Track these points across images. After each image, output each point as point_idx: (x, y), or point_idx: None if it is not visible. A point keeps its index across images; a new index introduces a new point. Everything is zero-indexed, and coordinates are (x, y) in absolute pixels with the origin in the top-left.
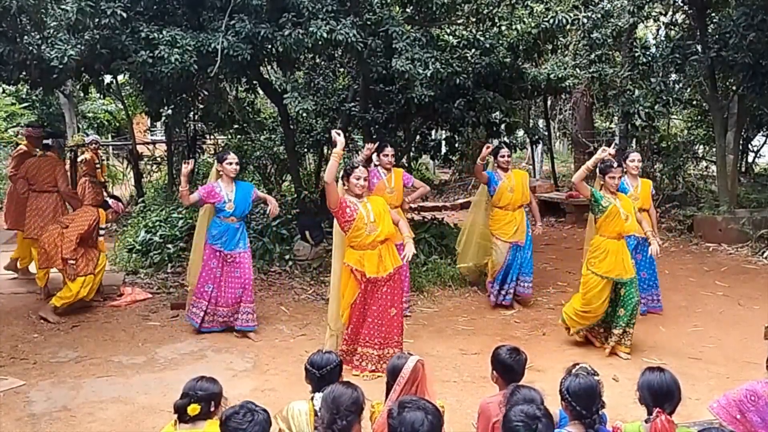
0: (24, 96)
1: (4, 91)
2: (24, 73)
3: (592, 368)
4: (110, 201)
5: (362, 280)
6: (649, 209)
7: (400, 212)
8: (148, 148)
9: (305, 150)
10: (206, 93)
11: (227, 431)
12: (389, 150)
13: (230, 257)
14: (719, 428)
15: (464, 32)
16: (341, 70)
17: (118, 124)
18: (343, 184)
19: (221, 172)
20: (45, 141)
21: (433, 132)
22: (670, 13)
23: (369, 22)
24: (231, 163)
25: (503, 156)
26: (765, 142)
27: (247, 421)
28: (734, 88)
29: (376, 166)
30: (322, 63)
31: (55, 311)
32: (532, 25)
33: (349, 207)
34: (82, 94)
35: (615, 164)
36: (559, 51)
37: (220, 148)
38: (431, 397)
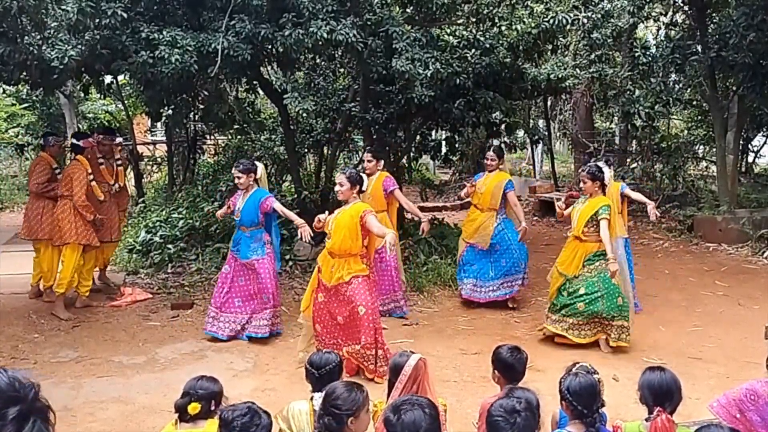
0: (24, 97)
1: (4, 92)
2: (24, 73)
3: (592, 367)
4: (80, 142)
5: (318, 277)
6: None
7: (385, 217)
8: (149, 149)
9: (305, 150)
10: (206, 93)
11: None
12: (365, 155)
13: (248, 265)
14: (719, 425)
15: (464, 32)
16: (341, 70)
17: (118, 125)
18: None
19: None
20: (42, 140)
21: (434, 132)
22: (670, 13)
23: (369, 23)
24: (236, 176)
25: (487, 159)
26: (765, 143)
27: (255, 424)
28: (734, 88)
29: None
30: (322, 63)
31: (64, 305)
32: (532, 25)
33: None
34: (82, 95)
35: (581, 170)
36: (559, 51)
37: (221, 149)
38: (432, 396)
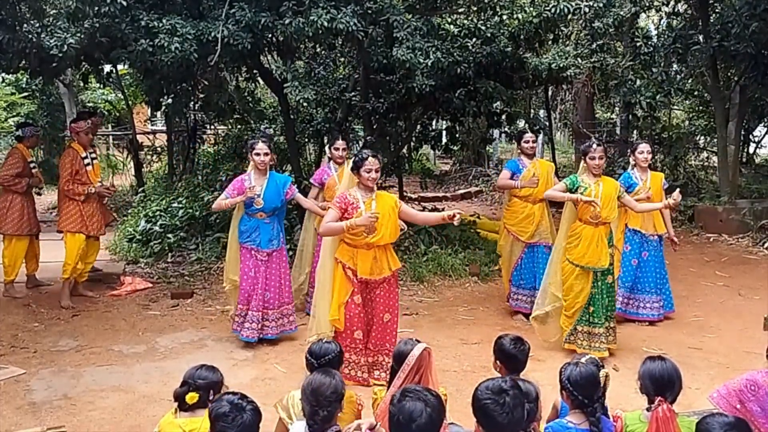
0: (24, 86)
1: (3, 81)
2: (24, 61)
3: (597, 360)
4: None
5: (354, 279)
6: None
7: None
8: (149, 138)
9: (306, 140)
10: (206, 82)
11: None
12: (340, 143)
13: (266, 255)
14: (723, 414)
15: (465, 21)
16: (342, 59)
17: (118, 114)
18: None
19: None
20: (17, 132)
21: (434, 122)
22: (672, 2)
23: (370, 11)
24: (259, 154)
25: (527, 141)
26: (766, 133)
27: (235, 426)
28: (736, 78)
29: (329, 160)
30: (323, 52)
31: (68, 293)
32: (534, 14)
33: (351, 204)
34: (81, 84)
35: (595, 144)
36: (560, 40)
37: (221, 138)
38: (434, 386)
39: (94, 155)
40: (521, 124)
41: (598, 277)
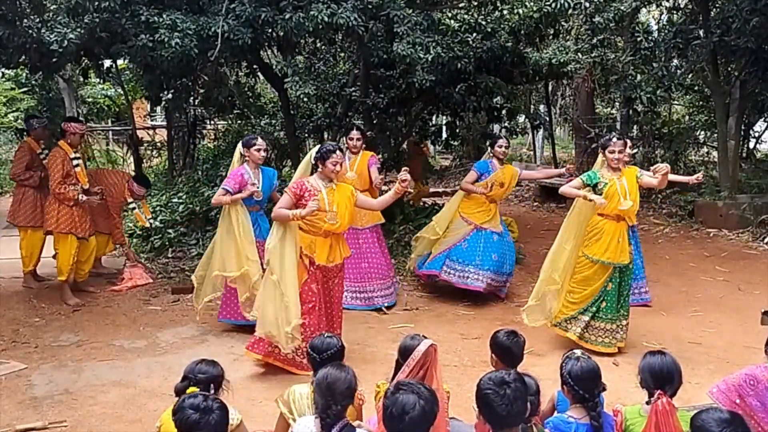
0: (24, 81)
1: (3, 76)
2: (23, 57)
3: (585, 354)
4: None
5: (310, 267)
6: None
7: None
8: (149, 134)
9: (306, 135)
10: (206, 78)
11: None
12: (354, 133)
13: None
14: (718, 409)
15: (466, 16)
16: (342, 54)
17: (118, 110)
18: (316, 167)
19: (247, 158)
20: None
21: (434, 117)
22: None
23: (370, 6)
24: (259, 150)
25: (501, 146)
26: (766, 128)
27: (207, 428)
28: (736, 73)
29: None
30: (323, 47)
31: (70, 292)
32: (534, 9)
33: (308, 191)
34: (81, 79)
35: (615, 137)
36: (560, 35)
37: (221, 134)
38: (438, 383)
39: (79, 157)
40: (521, 119)
41: (616, 272)
